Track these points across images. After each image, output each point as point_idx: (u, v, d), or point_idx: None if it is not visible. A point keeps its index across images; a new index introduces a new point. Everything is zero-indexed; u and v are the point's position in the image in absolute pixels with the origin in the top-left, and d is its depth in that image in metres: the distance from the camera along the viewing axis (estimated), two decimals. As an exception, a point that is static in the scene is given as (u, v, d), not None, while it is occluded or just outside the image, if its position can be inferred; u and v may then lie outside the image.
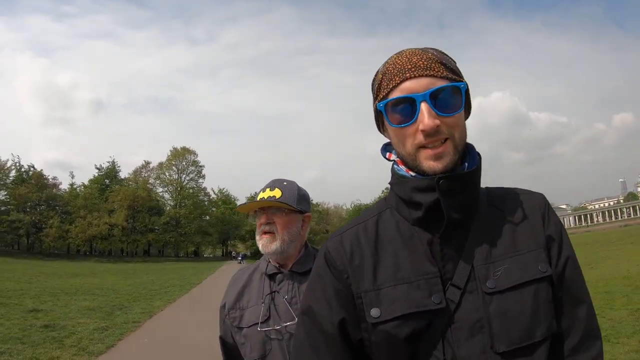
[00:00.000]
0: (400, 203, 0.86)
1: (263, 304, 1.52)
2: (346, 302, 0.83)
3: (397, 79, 0.80)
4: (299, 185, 1.65)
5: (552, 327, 0.80)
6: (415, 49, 0.83)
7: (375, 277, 0.82)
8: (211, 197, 71.17)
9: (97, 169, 69.13)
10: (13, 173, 63.07)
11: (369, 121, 0.92)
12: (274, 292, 1.55)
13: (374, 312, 0.80)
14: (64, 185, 66.80)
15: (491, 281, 0.79)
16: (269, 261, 1.59)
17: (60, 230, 58.57)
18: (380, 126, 0.90)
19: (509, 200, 0.89)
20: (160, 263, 50.64)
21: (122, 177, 69.51)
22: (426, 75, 0.79)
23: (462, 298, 0.79)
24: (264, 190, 1.56)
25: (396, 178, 0.87)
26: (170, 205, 67.48)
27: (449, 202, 0.79)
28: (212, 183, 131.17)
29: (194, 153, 68.36)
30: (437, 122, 0.77)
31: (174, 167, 67.69)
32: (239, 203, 71.97)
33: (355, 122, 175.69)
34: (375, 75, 0.87)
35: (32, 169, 64.30)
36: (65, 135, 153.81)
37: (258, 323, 1.49)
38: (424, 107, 0.77)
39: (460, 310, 0.78)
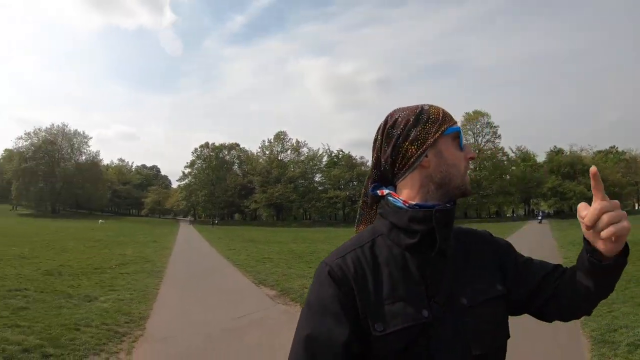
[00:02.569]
0: (394, 230, 0.99)
1: None
2: (352, 316, 0.92)
3: (452, 121, 1.03)
4: None
5: (507, 334, 1.03)
6: None
7: (377, 295, 0.94)
8: (509, 156, 70.44)
9: (397, 143, 75.81)
10: (325, 158, 75.48)
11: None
12: None
13: (378, 326, 0.91)
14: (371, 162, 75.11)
15: (464, 299, 0.97)
16: None
17: (374, 201, 66.29)
18: (429, 147, 1.00)
19: (468, 235, 1.10)
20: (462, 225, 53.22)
21: (422, 147, 73.92)
22: None
23: (444, 313, 0.95)
24: None
25: (392, 208, 1.00)
26: (470, 168, 68.99)
27: (441, 231, 0.96)
28: (507, 140, 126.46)
29: (486, 114, 68.47)
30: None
31: (469, 132, 68.50)
32: (538, 159, 71.85)
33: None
34: (424, 110, 1.02)
35: (340, 152, 75.42)
36: (359, 116, 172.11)
37: None
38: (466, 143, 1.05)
39: (444, 323, 0.94)
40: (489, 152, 68.26)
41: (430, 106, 1.04)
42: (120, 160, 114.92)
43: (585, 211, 0.86)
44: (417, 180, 1.01)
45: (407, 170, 1.02)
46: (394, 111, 1.05)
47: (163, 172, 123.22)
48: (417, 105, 1.04)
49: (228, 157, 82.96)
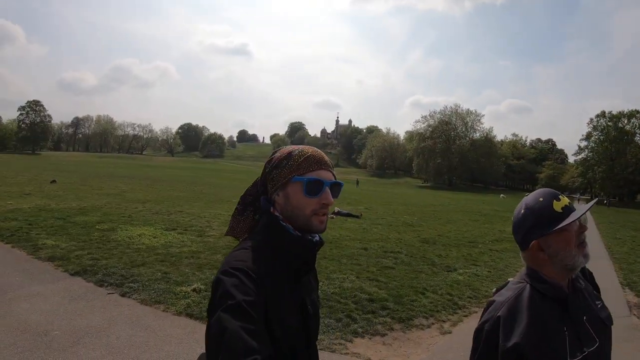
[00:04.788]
0: (281, 250, 1.21)
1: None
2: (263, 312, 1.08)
3: (316, 166, 1.23)
4: None
5: None
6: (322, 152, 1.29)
7: (275, 301, 1.12)
8: None
9: None
10: None
11: None
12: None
13: (275, 326, 1.10)
14: None
15: (311, 308, 1.26)
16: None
17: None
18: (279, 188, 1.25)
19: None
20: None
21: None
22: (330, 171, 1.27)
23: (311, 319, 1.26)
24: None
25: (281, 231, 1.22)
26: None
27: (314, 257, 1.27)
28: None
29: None
30: (333, 200, 1.24)
31: None
32: None
33: None
34: (291, 155, 1.25)
35: None
36: None
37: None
38: (327, 190, 1.23)
39: (311, 327, 1.26)
40: None
41: (300, 151, 1.26)
42: (514, 135, 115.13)
43: None
44: (279, 211, 1.25)
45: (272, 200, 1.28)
46: (281, 148, 1.31)
47: (559, 146, 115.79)
48: (293, 149, 1.28)
49: (628, 126, 71.94)
